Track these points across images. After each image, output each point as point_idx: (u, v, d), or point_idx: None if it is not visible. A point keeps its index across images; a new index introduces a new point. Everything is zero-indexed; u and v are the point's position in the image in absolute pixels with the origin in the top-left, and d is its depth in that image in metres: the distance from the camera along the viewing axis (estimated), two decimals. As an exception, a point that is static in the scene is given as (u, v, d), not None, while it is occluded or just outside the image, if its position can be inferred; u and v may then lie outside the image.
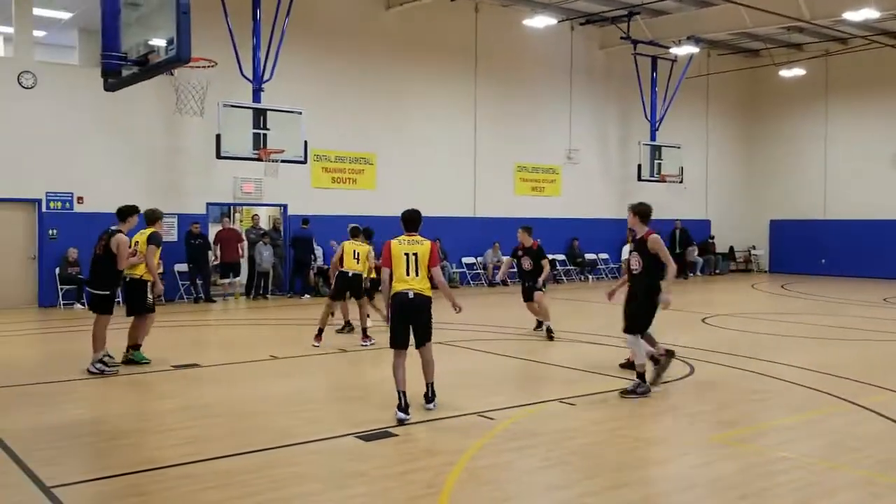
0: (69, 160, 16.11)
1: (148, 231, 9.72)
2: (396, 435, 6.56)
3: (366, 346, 11.13)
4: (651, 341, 8.61)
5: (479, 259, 21.62)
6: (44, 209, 16.03)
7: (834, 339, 12.53)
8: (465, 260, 21.44)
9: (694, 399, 8.26)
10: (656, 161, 23.36)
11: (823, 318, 15.09)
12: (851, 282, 23.16)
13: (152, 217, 9.83)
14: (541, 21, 19.59)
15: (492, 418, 7.12)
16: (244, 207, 20.77)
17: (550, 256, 22.18)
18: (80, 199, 16.29)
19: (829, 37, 23.89)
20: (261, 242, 18.26)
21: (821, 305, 17.50)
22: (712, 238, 26.88)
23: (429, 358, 7.34)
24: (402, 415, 6.91)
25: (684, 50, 22.23)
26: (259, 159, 15.93)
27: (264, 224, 20.12)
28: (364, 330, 11.39)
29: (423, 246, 7.17)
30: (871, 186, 24.94)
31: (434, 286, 7.32)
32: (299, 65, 18.06)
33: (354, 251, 11.33)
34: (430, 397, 7.36)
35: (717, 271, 26.50)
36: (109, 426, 7.05)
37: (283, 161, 16.11)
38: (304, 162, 16.73)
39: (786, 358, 10.34)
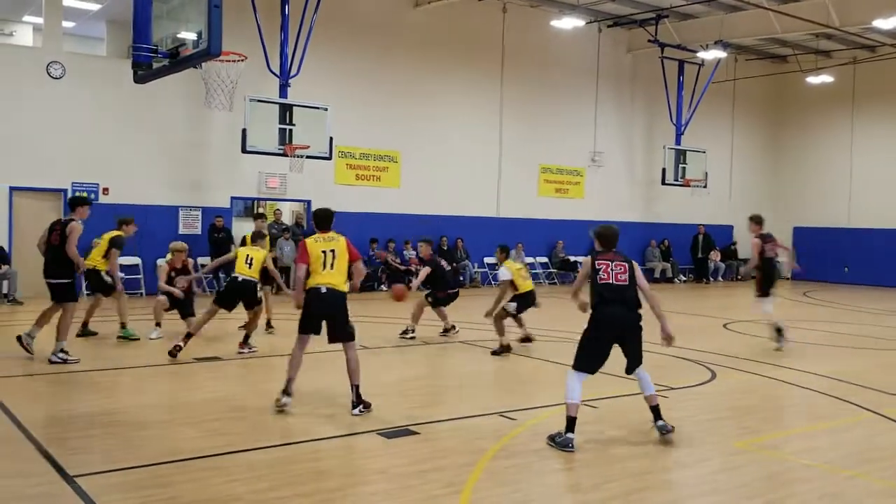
0: (95, 151, 16.27)
1: (113, 233, 10.69)
2: (418, 433, 6.56)
3: (244, 353, 10.16)
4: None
5: (501, 259, 21.57)
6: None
7: (856, 347, 12.37)
8: (487, 260, 21.41)
9: (716, 405, 8.19)
10: (681, 165, 23.21)
11: (845, 326, 14.91)
12: (874, 290, 22.87)
13: (122, 221, 10.97)
14: (568, 22, 19.53)
15: (513, 419, 7.11)
16: (268, 202, 20.88)
17: (572, 258, 22.41)
18: (105, 190, 16.45)
19: (857, 44, 23.61)
20: (282, 238, 18.34)
21: (843, 314, 17.30)
22: (735, 244, 26.65)
23: (352, 356, 7.17)
24: (284, 399, 7.06)
25: (712, 54, 22.05)
26: (284, 154, 16.00)
27: (287, 219, 20.22)
28: (247, 337, 10.39)
29: (338, 242, 7.23)
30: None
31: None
32: (326, 61, 18.12)
33: (248, 256, 10.41)
34: (355, 403, 7.03)
35: (739, 277, 26.26)
36: (132, 416, 7.11)
37: (307, 157, 16.17)
38: (329, 158, 16.79)
39: (808, 366, 10.24)
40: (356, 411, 7.03)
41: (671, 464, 6.25)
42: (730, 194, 26.85)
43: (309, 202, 18.88)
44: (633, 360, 6.58)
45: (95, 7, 17.81)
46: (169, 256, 11.69)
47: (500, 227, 21.30)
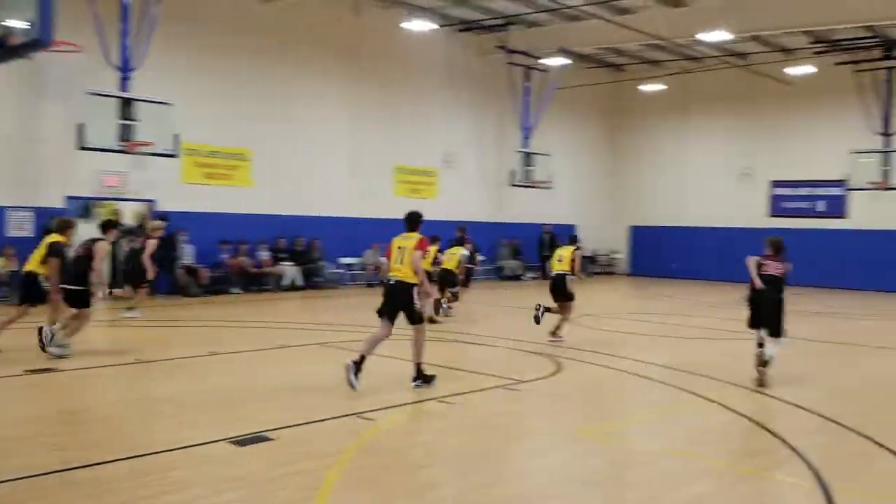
0: None
1: (54, 238, 9.88)
2: (272, 439, 6.40)
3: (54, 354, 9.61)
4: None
5: (359, 260, 21.44)
6: None
7: (688, 337, 13.30)
8: (344, 260, 21.22)
9: (563, 396, 8.54)
10: (528, 168, 23.98)
11: (678, 317, 15.99)
12: (701, 284, 24.66)
13: (62, 225, 10.16)
14: (419, 25, 19.69)
15: (371, 419, 7.09)
16: (107, 202, 19.62)
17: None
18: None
19: (686, 55, 25.37)
20: (124, 239, 17.29)
21: (675, 306, 18.55)
22: (578, 242, 27.90)
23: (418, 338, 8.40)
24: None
25: (555, 61, 22.97)
26: (125, 152, 15.12)
27: (130, 220, 19.07)
28: (52, 333, 9.74)
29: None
30: (721, 198, 26.77)
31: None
32: (171, 55, 17.27)
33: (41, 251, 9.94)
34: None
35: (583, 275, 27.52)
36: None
37: (151, 154, 15.37)
38: (175, 156, 16.04)
39: (646, 356, 10.89)
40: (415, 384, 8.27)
41: (525, 454, 6.46)
42: (573, 195, 28.10)
43: (154, 202, 17.95)
44: None
45: None
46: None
47: (357, 227, 21.19)
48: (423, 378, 8.33)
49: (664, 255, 27.77)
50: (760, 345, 9.10)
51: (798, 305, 19.29)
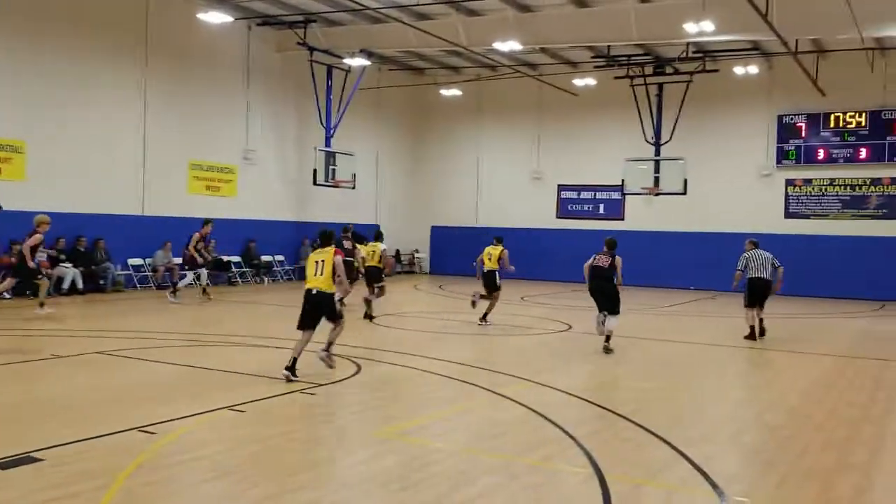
0: None
1: None
2: (41, 460, 5.81)
3: None
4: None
5: (149, 261, 20.14)
6: None
7: (484, 334, 13.80)
8: (132, 262, 19.85)
9: (361, 397, 8.52)
10: (331, 167, 23.77)
11: (474, 315, 16.54)
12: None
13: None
14: (215, 17, 18.85)
15: (153, 433, 6.64)
16: None
17: (226, 258, 21.79)
18: None
19: (482, 63, 26.37)
20: None
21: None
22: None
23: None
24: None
25: (357, 62, 22.97)
26: None
27: None
28: None
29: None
30: (515, 200, 28.23)
31: None
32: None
33: None
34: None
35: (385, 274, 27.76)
36: None
37: None
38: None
39: (444, 354, 11.15)
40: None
41: (320, 460, 6.36)
42: (378, 195, 28.29)
43: None
44: None
45: None
46: None
47: (147, 226, 19.91)
48: (328, 354, 9.51)
49: (464, 254, 28.69)
50: (602, 322, 11.66)
51: (579, 301, 20.73)
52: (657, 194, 24.13)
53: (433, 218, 29.94)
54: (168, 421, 7.03)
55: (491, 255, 15.01)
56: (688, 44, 21.83)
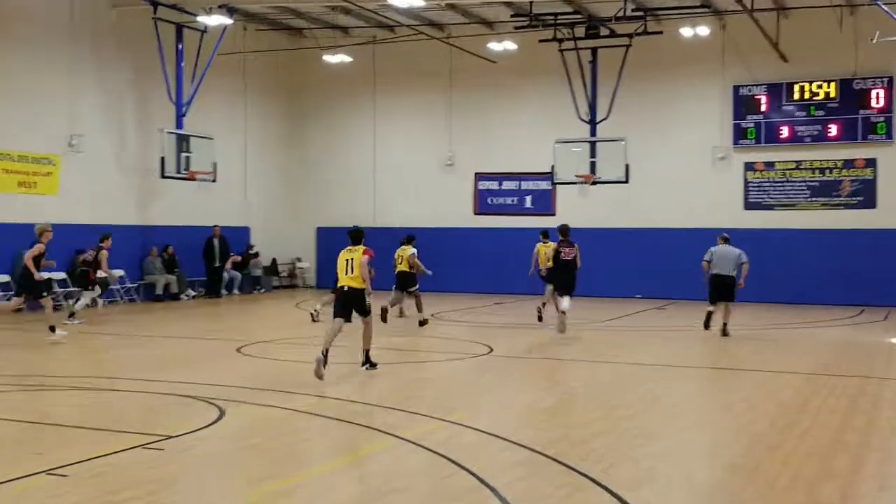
0: None
1: None
2: None
3: None
4: None
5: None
6: None
7: (385, 362, 13.69)
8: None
9: (225, 450, 8.34)
10: (184, 154, 23.27)
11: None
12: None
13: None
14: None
15: (65, 475, 6.37)
16: None
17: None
18: None
19: (376, 22, 26.37)
20: None
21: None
22: (253, 248, 27.68)
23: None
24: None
25: (215, 20, 22.60)
26: None
27: None
28: None
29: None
30: (422, 193, 28.23)
31: None
32: None
33: None
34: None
35: (260, 289, 27.40)
36: None
37: None
38: None
39: (331, 390, 11.05)
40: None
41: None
42: (245, 190, 27.85)
43: None
44: None
45: None
46: None
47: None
48: (370, 363, 12.15)
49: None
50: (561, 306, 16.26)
51: (504, 317, 20.97)
52: (594, 183, 24.61)
53: (319, 218, 29.63)
54: (81, 462, 6.78)
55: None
56: (625, -1, 22.38)
